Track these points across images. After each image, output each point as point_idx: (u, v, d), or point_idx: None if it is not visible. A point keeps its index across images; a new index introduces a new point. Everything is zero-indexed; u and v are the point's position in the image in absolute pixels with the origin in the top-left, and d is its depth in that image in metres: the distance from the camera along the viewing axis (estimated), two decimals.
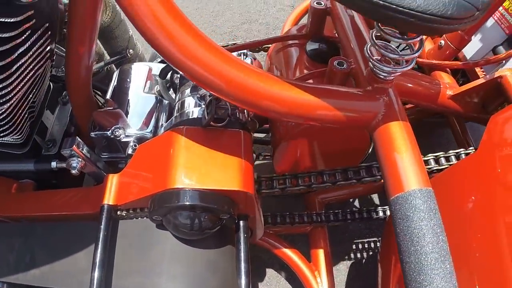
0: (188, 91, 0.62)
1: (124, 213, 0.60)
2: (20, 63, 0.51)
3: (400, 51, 0.46)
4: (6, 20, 0.44)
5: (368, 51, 0.48)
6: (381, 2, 0.36)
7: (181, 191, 0.51)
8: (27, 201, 0.72)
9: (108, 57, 0.84)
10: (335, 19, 0.62)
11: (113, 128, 0.63)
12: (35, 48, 0.53)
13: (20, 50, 0.50)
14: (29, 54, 0.52)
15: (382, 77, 0.49)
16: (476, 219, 0.53)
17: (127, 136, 0.64)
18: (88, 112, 0.69)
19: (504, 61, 0.69)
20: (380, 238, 1.01)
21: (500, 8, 0.72)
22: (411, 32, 0.42)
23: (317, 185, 0.63)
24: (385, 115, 0.48)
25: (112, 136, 0.63)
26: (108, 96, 0.69)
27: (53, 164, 0.64)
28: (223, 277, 0.59)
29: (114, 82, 0.70)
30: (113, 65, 0.84)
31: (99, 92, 0.84)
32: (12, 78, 0.51)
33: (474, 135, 0.86)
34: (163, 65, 0.70)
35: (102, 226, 0.57)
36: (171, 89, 0.67)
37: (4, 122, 0.56)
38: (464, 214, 0.54)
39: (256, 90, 0.44)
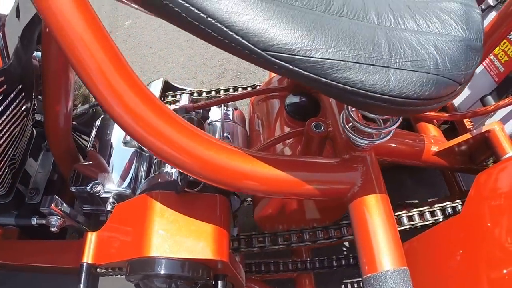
0: None
1: (103, 270, 0.59)
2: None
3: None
4: None
5: (343, 121, 0.47)
6: (349, 88, 0.34)
7: (155, 259, 0.50)
8: (10, 249, 0.71)
9: (93, 99, 0.84)
10: None
11: (92, 184, 0.62)
12: (8, 111, 0.53)
13: None
14: (2, 118, 0.52)
15: (359, 146, 0.48)
16: (462, 276, 0.51)
17: (106, 192, 0.63)
18: (69, 162, 0.69)
19: (492, 113, 0.67)
20: None
21: (491, 55, 0.71)
22: (381, 114, 0.40)
23: (296, 244, 0.61)
24: (361, 187, 0.47)
25: (91, 192, 0.63)
26: (89, 146, 0.69)
27: (33, 220, 0.63)
28: None
29: (95, 132, 0.69)
30: (99, 107, 0.84)
31: (83, 136, 0.83)
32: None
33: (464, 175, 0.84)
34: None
35: (81, 284, 0.56)
36: None
37: None
38: (450, 271, 0.53)
39: (228, 169, 0.43)
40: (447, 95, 0.37)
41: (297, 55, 0.32)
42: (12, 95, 0.52)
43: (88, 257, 0.58)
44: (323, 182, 0.47)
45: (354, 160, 0.48)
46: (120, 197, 0.63)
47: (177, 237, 0.51)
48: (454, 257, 0.54)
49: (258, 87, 0.74)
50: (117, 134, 0.68)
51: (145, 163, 0.66)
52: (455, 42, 0.38)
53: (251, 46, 0.32)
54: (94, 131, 0.70)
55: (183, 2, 0.32)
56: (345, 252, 0.95)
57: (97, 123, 0.71)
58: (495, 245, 0.49)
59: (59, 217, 0.59)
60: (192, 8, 0.32)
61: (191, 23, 0.33)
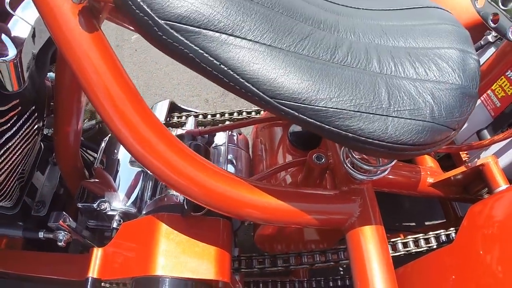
0: None
1: (107, 285, 0.61)
2: (7, 146, 0.53)
3: None
4: None
5: (343, 156, 0.49)
6: (350, 134, 0.37)
7: (160, 278, 0.52)
8: (15, 259, 0.73)
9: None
10: None
11: (99, 201, 0.64)
12: (21, 131, 0.55)
13: (7, 135, 0.52)
14: (16, 137, 0.54)
15: (358, 180, 0.50)
16: None
17: (112, 209, 0.65)
18: (76, 178, 0.71)
19: (487, 147, 0.69)
20: None
21: (488, 90, 0.73)
22: (379, 157, 0.43)
23: (295, 266, 0.63)
24: (358, 218, 0.49)
25: (97, 209, 0.65)
26: (96, 163, 0.71)
27: (41, 234, 0.65)
28: None
29: (101, 150, 0.72)
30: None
31: (89, 151, 0.86)
32: (0, 160, 0.53)
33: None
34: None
35: None
36: None
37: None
38: None
39: (230, 198, 0.45)
40: (441, 140, 0.40)
41: (303, 104, 0.35)
42: (26, 115, 0.55)
43: (93, 272, 0.60)
44: (322, 213, 0.49)
45: (352, 192, 0.51)
46: (125, 215, 0.65)
47: (182, 257, 0.53)
48: (447, 283, 0.56)
49: (262, 113, 0.76)
50: (123, 153, 0.70)
51: (150, 183, 0.68)
52: (451, 90, 0.41)
53: (260, 93, 0.34)
54: (101, 149, 0.72)
55: (197, 48, 0.34)
56: (341, 273, 0.97)
57: (103, 142, 0.73)
58: (486, 273, 0.51)
59: (66, 232, 0.62)
60: (206, 55, 0.35)
61: (205, 68, 0.35)
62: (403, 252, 0.64)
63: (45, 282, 0.69)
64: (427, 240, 0.65)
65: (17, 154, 0.58)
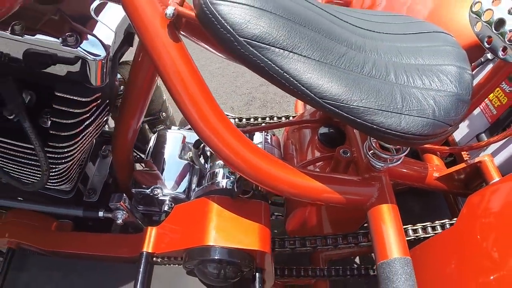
0: (218, 163, 0.83)
1: (159, 260, 0.78)
2: (85, 132, 0.71)
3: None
4: (79, 99, 0.64)
5: (366, 149, 0.68)
6: (374, 126, 0.56)
7: (212, 247, 0.70)
8: (68, 239, 0.91)
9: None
10: None
11: (152, 187, 0.83)
12: (97, 120, 0.74)
13: (87, 122, 0.70)
14: (91, 126, 0.73)
15: (377, 168, 0.69)
16: (455, 282, 0.71)
17: (163, 195, 0.83)
18: (127, 170, 0.89)
19: (485, 148, 0.89)
20: None
21: (486, 100, 0.94)
22: (394, 145, 0.62)
23: (321, 247, 0.81)
24: (377, 199, 0.68)
25: (151, 194, 0.83)
26: (146, 157, 0.90)
27: (100, 213, 0.83)
28: None
29: (152, 144, 0.91)
30: (146, 124, 1.06)
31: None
32: (77, 144, 0.71)
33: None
34: (195, 133, 0.91)
35: (141, 269, 0.75)
36: (202, 157, 0.87)
37: (62, 176, 0.76)
38: (446, 276, 0.73)
39: (274, 176, 0.64)
40: (441, 133, 0.59)
41: (342, 103, 0.54)
42: (101, 108, 0.73)
43: (148, 247, 0.77)
44: (348, 193, 0.68)
45: (372, 178, 0.70)
46: (175, 200, 0.83)
47: (230, 231, 0.71)
48: (450, 264, 0.73)
49: (291, 118, 0.96)
50: (172, 148, 0.89)
51: (196, 175, 0.86)
52: (448, 96, 0.60)
53: (312, 95, 0.54)
54: (151, 145, 0.91)
55: (267, 60, 0.54)
56: (356, 263, 1.15)
57: (153, 138, 0.92)
58: (484, 255, 0.69)
59: (124, 212, 0.80)
60: (274, 66, 0.54)
61: (272, 75, 0.54)
62: (412, 238, 0.83)
63: (97, 259, 0.87)
64: (433, 228, 0.84)
65: (88, 141, 0.76)
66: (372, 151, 0.67)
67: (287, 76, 0.54)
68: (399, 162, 0.67)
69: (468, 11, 0.76)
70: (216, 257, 0.69)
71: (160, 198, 0.84)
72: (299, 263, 1.02)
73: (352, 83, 0.55)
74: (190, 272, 0.77)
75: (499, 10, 0.71)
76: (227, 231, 0.71)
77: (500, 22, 0.70)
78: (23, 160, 0.72)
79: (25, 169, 0.74)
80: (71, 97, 0.63)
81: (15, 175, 0.76)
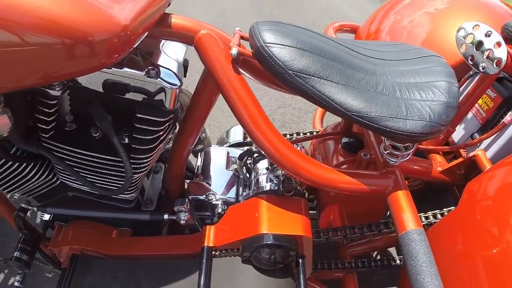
0: (261, 171, 1.10)
1: (217, 253, 1.04)
2: (158, 147, 0.98)
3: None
4: (157, 119, 0.89)
5: (382, 149, 0.97)
6: (387, 129, 0.84)
7: (265, 235, 0.95)
8: (130, 243, 1.17)
9: None
10: None
11: (207, 193, 1.10)
12: (166, 138, 1.01)
13: (161, 138, 0.96)
14: (163, 142, 1.00)
15: (391, 164, 0.97)
16: (463, 257, 0.97)
17: (216, 200, 1.10)
18: (180, 182, 1.16)
19: (478, 144, 1.18)
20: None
21: (476, 105, 1.23)
22: (402, 142, 0.90)
23: (350, 235, 1.08)
24: (393, 187, 0.95)
25: (205, 200, 1.10)
26: (197, 170, 1.17)
27: (165, 216, 1.09)
28: None
29: (201, 160, 1.18)
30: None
31: None
32: (153, 156, 0.98)
33: None
34: (235, 149, 1.19)
35: (204, 261, 1.00)
36: (244, 168, 1.15)
37: (134, 185, 1.03)
38: (454, 254, 0.99)
39: (314, 173, 0.91)
40: (436, 131, 0.87)
41: (363, 114, 0.82)
42: (170, 127, 1.00)
43: (208, 242, 1.03)
44: (370, 185, 0.95)
45: (388, 172, 0.97)
46: (226, 204, 1.10)
47: (278, 222, 0.97)
48: (456, 244, 0.99)
49: (314, 133, 1.25)
50: (217, 162, 1.17)
51: (241, 184, 1.14)
52: (440, 104, 0.89)
53: (343, 109, 0.82)
54: (199, 159, 1.19)
55: (310, 86, 0.81)
56: (378, 257, 1.41)
57: (200, 155, 1.20)
58: (485, 232, 0.95)
59: (186, 214, 1.06)
60: (314, 90, 0.82)
61: (313, 97, 0.82)
62: (425, 223, 1.10)
63: (160, 259, 1.12)
64: (442, 215, 1.11)
65: (156, 155, 1.03)
66: (387, 151, 0.95)
67: (324, 97, 0.82)
68: (408, 158, 0.95)
69: (455, 35, 1.06)
70: (269, 242, 0.95)
71: (214, 202, 1.10)
72: (329, 259, 1.28)
73: (370, 99, 0.84)
74: (245, 261, 1.02)
75: (478, 33, 1.02)
76: (277, 222, 0.97)
77: (480, 43, 1.01)
78: (105, 171, 0.97)
79: (107, 178, 1.00)
80: (151, 118, 0.88)
81: (98, 184, 1.02)
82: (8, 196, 1.25)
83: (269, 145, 0.89)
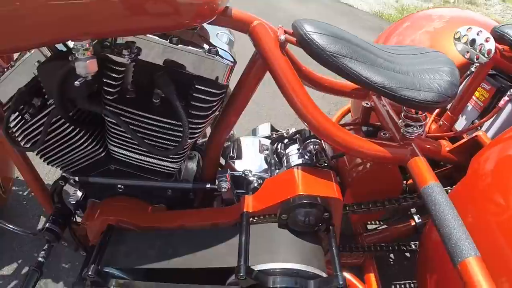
0: (293, 151, 1.35)
1: (255, 219, 1.25)
2: (210, 117, 1.20)
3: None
4: (214, 91, 1.13)
5: (400, 122, 1.24)
6: (405, 98, 1.12)
7: (302, 195, 1.17)
8: (166, 216, 1.37)
9: None
10: (377, 111, 1.42)
11: (244, 170, 1.34)
12: (215, 112, 1.24)
13: (213, 109, 1.19)
14: (212, 115, 1.23)
15: (408, 136, 1.24)
16: (478, 225, 1.21)
17: (253, 175, 1.34)
18: (215, 164, 1.40)
19: (479, 128, 1.48)
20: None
21: (474, 97, 1.56)
22: (417, 109, 1.18)
23: (373, 207, 1.33)
24: (411, 155, 1.21)
25: (242, 175, 1.33)
26: (232, 153, 1.42)
27: (208, 185, 1.31)
28: (320, 264, 1.22)
29: (235, 145, 1.44)
30: None
31: None
32: (205, 125, 1.20)
33: None
34: (264, 139, 1.47)
35: (244, 224, 1.21)
36: (275, 155, 1.41)
37: (184, 152, 1.25)
38: (467, 223, 1.23)
39: (347, 140, 1.18)
40: (444, 101, 1.15)
41: (386, 86, 1.10)
42: (220, 102, 1.24)
43: (247, 209, 1.25)
44: (392, 153, 1.21)
45: (407, 144, 1.24)
46: (260, 179, 1.34)
47: (313, 186, 1.21)
48: (468, 213, 1.24)
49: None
50: (251, 148, 1.42)
51: (272, 167, 1.38)
52: (446, 82, 1.18)
53: (370, 82, 1.09)
54: (234, 146, 1.44)
55: (343, 63, 1.11)
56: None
57: (234, 141, 1.46)
58: (493, 201, 1.20)
59: (228, 183, 1.28)
60: (346, 66, 1.11)
61: (345, 72, 1.11)
62: None
63: (200, 228, 1.32)
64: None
65: (208, 124, 1.25)
66: (405, 122, 1.23)
67: (355, 72, 1.10)
68: (422, 130, 1.23)
69: (453, 38, 1.40)
70: (306, 201, 1.17)
71: (250, 178, 1.34)
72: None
73: (390, 76, 1.13)
74: (282, 225, 1.23)
75: (471, 34, 1.36)
76: (311, 185, 1.21)
77: (473, 41, 1.34)
78: (161, 134, 1.18)
79: (161, 141, 1.20)
80: (209, 89, 1.12)
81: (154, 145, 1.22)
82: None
83: (310, 115, 1.16)
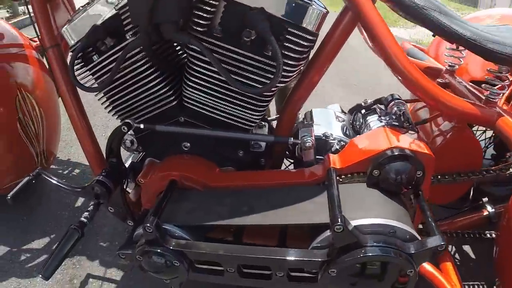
0: (372, 120, 1.43)
1: (341, 178, 1.28)
2: (301, 63, 1.26)
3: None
4: (307, 37, 1.18)
5: (487, 91, 1.36)
6: (494, 50, 1.24)
7: (395, 148, 1.22)
8: (238, 176, 1.39)
9: None
10: (452, 87, 1.55)
11: (324, 131, 1.40)
12: (302, 65, 1.31)
13: (304, 56, 1.25)
14: (299, 67, 1.29)
15: (492, 99, 1.35)
16: None
17: (333, 138, 1.40)
18: (290, 125, 1.46)
19: None
20: None
21: None
22: (503, 64, 1.30)
23: (459, 178, 1.39)
24: (497, 117, 1.31)
25: (323, 137, 1.39)
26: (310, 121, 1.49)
27: (290, 140, 1.35)
28: (413, 226, 1.22)
29: (309, 115, 1.51)
30: None
31: None
32: (294, 73, 1.25)
33: None
34: (338, 111, 1.56)
35: (333, 178, 1.23)
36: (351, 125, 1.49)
37: (270, 97, 1.32)
38: None
39: (443, 97, 1.27)
40: None
41: (474, 38, 1.23)
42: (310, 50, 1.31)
43: (334, 164, 1.28)
44: (482, 113, 1.31)
45: (491, 107, 1.35)
46: (342, 142, 1.39)
47: (405, 141, 1.27)
48: None
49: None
50: (327, 117, 1.50)
51: (350, 137, 1.46)
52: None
53: (460, 34, 1.22)
54: (307, 115, 1.52)
55: (433, 16, 1.25)
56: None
57: (309, 112, 1.54)
58: None
59: (311, 139, 1.32)
60: (438, 19, 1.25)
61: (436, 25, 1.24)
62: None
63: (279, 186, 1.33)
64: None
65: (297, 72, 1.31)
66: (487, 87, 1.35)
67: (445, 24, 1.24)
68: (505, 90, 1.35)
69: None
70: (400, 154, 1.21)
71: (330, 141, 1.39)
72: None
73: (476, 32, 1.25)
74: (371, 184, 1.26)
75: None
76: (404, 141, 1.27)
77: None
78: (248, 72, 1.22)
79: (249, 81, 1.23)
80: (302, 34, 1.17)
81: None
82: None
83: (405, 69, 1.26)
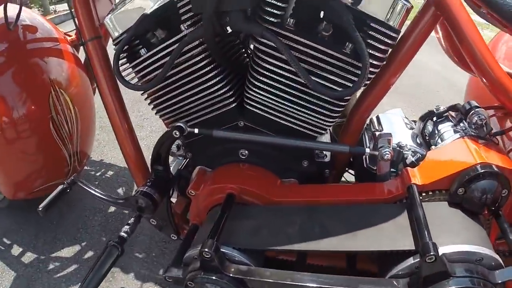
0: (446, 128, 1.39)
1: (422, 195, 1.24)
2: (383, 63, 1.20)
3: None
4: (390, 33, 1.12)
5: None
6: None
7: (486, 164, 1.16)
8: (305, 190, 1.33)
9: None
10: None
11: (399, 142, 1.36)
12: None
13: (385, 55, 1.17)
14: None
15: None
16: None
17: (407, 149, 1.36)
18: (358, 130, 1.43)
19: None
20: None
21: None
22: None
23: None
24: None
25: (397, 148, 1.35)
26: (378, 127, 1.45)
27: (367, 150, 1.25)
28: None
29: (376, 120, 1.48)
30: None
31: None
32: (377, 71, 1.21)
33: None
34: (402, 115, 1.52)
35: (415, 196, 1.19)
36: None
37: (345, 102, 1.27)
38: None
39: None
40: None
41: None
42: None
43: (415, 180, 1.22)
44: None
45: None
46: (418, 154, 1.36)
47: (492, 156, 1.21)
48: None
49: None
50: (397, 123, 1.46)
51: (421, 146, 1.42)
52: None
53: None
54: (374, 121, 1.48)
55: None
56: None
57: (376, 117, 1.50)
58: None
59: (390, 150, 1.26)
60: None
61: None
62: None
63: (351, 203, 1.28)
64: None
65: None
66: None
67: None
68: None
69: None
70: (491, 171, 1.15)
71: (405, 152, 1.35)
72: None
73: None
74: (453, 203, 1.20)
75: None
76: (490, 156, 1.22)
77: None
78: (325, 71, 1.15)
79: (326, 82, 1.16)
80: (384, 30, 1.10)
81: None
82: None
83: (492, 70, 1.21)
